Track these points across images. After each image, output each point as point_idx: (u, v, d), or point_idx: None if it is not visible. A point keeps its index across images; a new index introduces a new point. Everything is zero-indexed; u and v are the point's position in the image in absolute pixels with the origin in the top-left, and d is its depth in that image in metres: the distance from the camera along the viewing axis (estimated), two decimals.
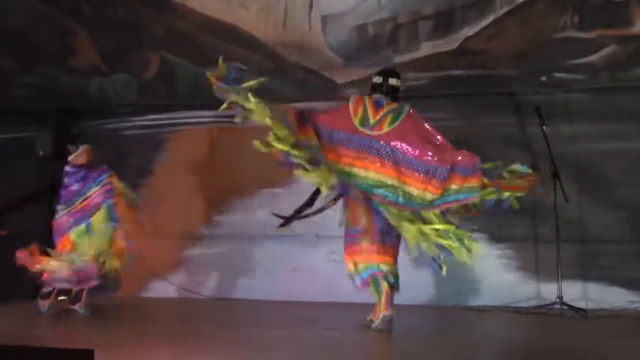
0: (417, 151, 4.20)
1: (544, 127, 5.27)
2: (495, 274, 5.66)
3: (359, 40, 6.39)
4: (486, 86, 5.87)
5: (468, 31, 6.08)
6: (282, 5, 6.63)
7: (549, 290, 5.27)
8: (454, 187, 4.16)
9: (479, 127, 5.79)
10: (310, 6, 6.55)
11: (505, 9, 6.03)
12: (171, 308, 5.82)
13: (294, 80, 6.43)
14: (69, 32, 7.01)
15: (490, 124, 5.79)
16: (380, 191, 4.21)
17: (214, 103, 6.46)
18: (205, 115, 6.51)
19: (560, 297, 5.03)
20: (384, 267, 4.25)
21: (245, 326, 4.79)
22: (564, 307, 5.00)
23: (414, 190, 4.18)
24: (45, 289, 5.16)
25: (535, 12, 5.99)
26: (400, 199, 4.18)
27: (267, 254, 6.15)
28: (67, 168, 5.29)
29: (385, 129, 4.27)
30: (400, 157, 4.21)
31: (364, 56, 6.30)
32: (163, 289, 6.25)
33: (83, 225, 5.14)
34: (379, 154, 4.24)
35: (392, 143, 4.24)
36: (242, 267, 6.19)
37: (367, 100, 4.43)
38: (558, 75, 5.80)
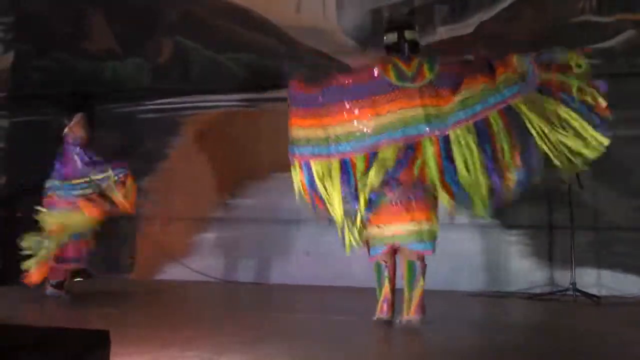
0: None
1: None
2: (508, 260, 5.65)
3: (373, 24, 6.35)
4: None
5: (484, 15, 6.02)
6: None
7: (562, 277, 5.26)
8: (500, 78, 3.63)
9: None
10: None
11: None
12: (184, 291, 5.87)
13: (307, 64, 6.41)
14: (84, 16, 7.03)
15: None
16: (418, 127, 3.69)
17: (227, 87, 6.55)
18: (219, 99, 6.53)
19: (573, 284, 5.02)
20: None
21: (259, 310, 4.83)
22: (577, 293, 4.99)
23: (466, 91, 3.67)
24: (56, 278, 5.07)
25: None
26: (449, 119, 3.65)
27: (280, 238, 6.17)
28: (77, 149, 5.17)
29: (428, 76, 3.73)
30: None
31: (378, 40, 6.22)
32: (176, 272, 6.30)
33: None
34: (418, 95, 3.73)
35: (439, 88, 3.74)
36: (255, 251, 6.22)
37: (389, 59, 3.90)
38: None
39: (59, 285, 5.09)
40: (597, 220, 5.50)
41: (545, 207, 5.61)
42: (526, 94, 3.65)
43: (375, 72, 3.85)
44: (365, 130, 3.81)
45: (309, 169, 3.94)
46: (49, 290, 5.07)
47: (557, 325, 4.32)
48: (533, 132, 3.63)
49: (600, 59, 5.65)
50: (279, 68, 6.39)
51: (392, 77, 3.77)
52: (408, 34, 3.94)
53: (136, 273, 6.50)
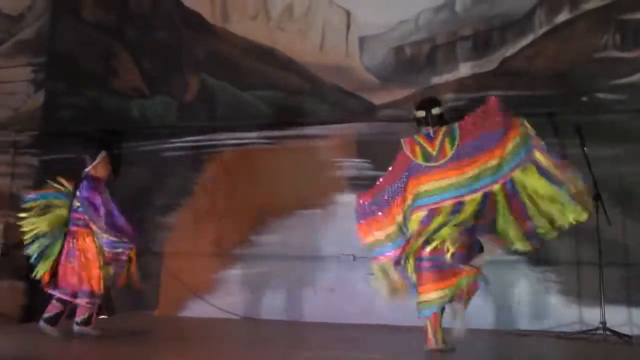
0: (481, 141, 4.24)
1: (585, 148, 5.19)
2: (536, 297, 5.56)
3: (396, 61, 6.42)
4: (526, 107, 5.79)
5: (507, 51, 6.06)
6: (319, 27, 6.72)
7: (592, 315, 5.15)
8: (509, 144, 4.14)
9: None
10: (348, 28, 6.61)
11: (545, 28, 6.00)
12: (209, 328, 5.85)
13: (330, 101, 6.48)
14: (112, 55, 7.20)
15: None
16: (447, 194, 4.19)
17: (252, 124, 6.63)
18: (243, 136, 6.61)
19: (603, 323, 4.91)
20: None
21: (283, 347, 4.79)
22: (608, 332, 4.88)
23: (477, 168, 4.16)
24: (85, 314, 4.97)
25: (576, 31, 5.93)
26: (465, 189, 4.15)
27: (305, 274, 6.16)
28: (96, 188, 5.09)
29: (449, 153, 4.26)
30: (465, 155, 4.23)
31: (401, 77, 6.33)
32: (200, 308, 6.29)
33: None
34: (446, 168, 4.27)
35: (460, 161, 4.24)
36: (279, 287, 6.20)
37: (418, 138, 4.44)
38: (599, 95, 5.71)
39: (85, 322, 4.99)
40: (627, 256, 5.40)
41: (572, 243, 5.53)
42: (521, 166, 4.14)
43: (407, 152, 4.38)
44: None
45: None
46: (76, 328, 4.96)
47: None
48: (524, 197, 4.11)
49: (624, 94, 5.64)
50: (303, 105, 6.49)
51: (420, 159, 4.33)
52: (434, 110, 4.51)
53: (160, 309, 6.51)
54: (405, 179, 4.34)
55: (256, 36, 6.83)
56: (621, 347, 4.72)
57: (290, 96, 6.58)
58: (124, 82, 7.15)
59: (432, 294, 4.13)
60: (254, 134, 6.60)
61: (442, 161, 4.27)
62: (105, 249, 4.97)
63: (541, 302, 5.54)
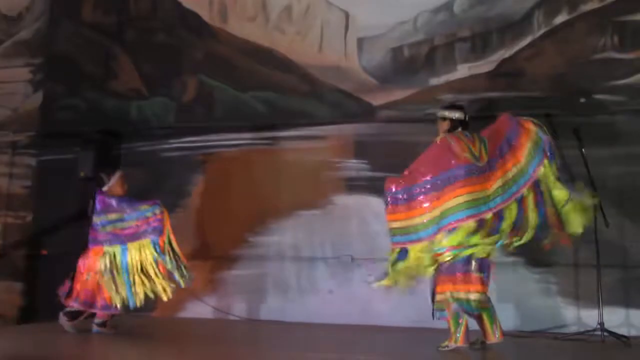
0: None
1: (583, 150, 5.19)
2: (534, 298, 5.56)
3: (394, 62, 6.42)
4: (524, 108, 5.80)
5: (505, 53, 6.06)
6: (317, 28, 6.73)
7: (589, 316, 5.15)
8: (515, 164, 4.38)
9: None
10: (346, 29, 6.62)
11: (543, 30, 6.00)
12: (207, 329, 5.85)
13: (329, 102, 6.48)
14: (111, 56, 7.20)
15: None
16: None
17: (250, 125, 6.64)
18: (242, 137, 6.61)
19: (601, 324, 4.91)
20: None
21: (282, 349, 4.79)
22: (606, 333, 4.88)
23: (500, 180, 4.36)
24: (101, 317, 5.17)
25: (574, 33, 5.94)
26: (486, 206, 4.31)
27: (303, 276, 6.16)
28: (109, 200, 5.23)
29: (485, 157, 4.43)
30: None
31: (399, 78, 6.33)
32: (199, 309, 6.29)
33: (118, 245, 5.11)
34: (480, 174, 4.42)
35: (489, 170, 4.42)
36: (277, 289, 6.20)
37: (461, 136, 4.52)
38: (597, 96, 5.72)
39: (102, 324, 5.18)
40: (625, 258, 5.40)
41: (571, 244, 5.52)
42: (541, 162, 4.43)
43: (456, 148, 4.44)
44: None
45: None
46: (95, 328, 5.16)
47: None
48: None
49: (623, 95, 5.65)
50: (302, 106, 6.49)
51: (469, 156, 4.40)
52: (467, 117, 4.65)
53: (158, 310, 6.50)
54: (453, 179, 4.37)
55: (255, 37, 6.83)
56: (619, 348, 4.72)
57: (289, 97, 6.58)
58: (122, 83, 7.14)
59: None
60: (252, 135, 6.60)
61: (481, 163, 4.39)
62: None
63: (539, 303, 5.54)
